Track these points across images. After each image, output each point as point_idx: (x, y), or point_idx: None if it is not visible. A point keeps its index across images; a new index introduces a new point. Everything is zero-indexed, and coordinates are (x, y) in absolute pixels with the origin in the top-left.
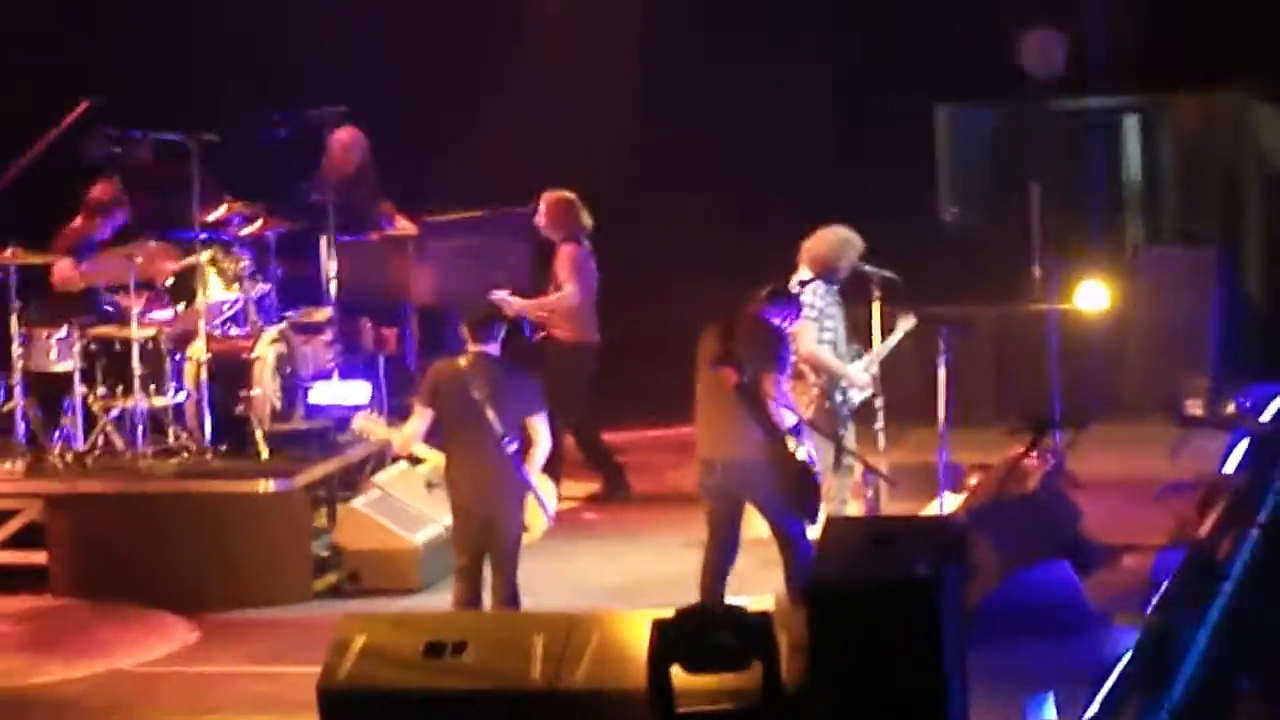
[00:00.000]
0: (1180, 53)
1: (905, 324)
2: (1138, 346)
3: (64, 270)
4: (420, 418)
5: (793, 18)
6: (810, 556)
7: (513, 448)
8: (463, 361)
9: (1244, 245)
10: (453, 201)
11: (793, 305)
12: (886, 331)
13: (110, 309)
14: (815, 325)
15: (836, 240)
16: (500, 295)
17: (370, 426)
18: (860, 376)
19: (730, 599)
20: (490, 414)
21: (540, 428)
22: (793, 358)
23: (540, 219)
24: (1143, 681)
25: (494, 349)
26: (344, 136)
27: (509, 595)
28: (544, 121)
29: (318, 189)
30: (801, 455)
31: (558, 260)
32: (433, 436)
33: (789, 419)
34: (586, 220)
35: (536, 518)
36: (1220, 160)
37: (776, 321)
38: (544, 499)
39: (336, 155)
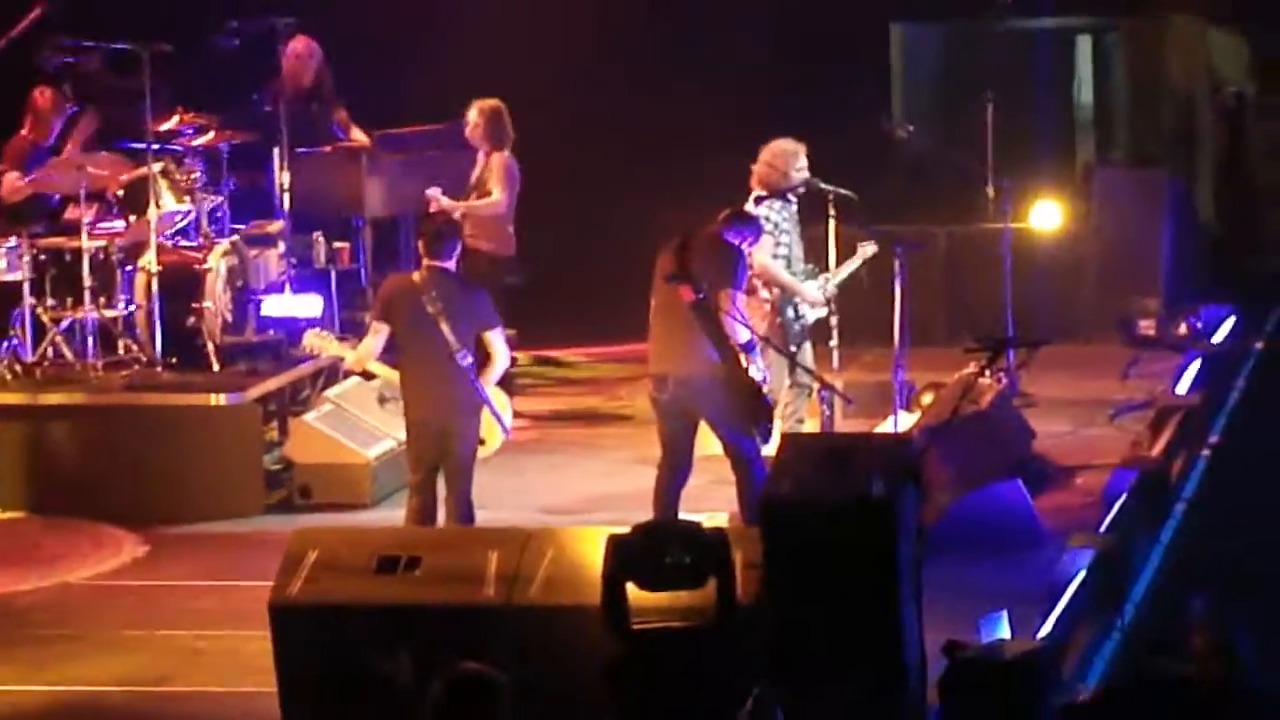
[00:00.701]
0: None
1: (865, 250)
2: (1090, 267)
3: (11, 181)
4: (375, 334)
5: None
6: (763, 475)
7: (467, 362)
8: (416, 276)
9: (1196, 167)
10: (406, 113)
11: (752, 226)
12: (843, 251)
13: (60, 220)
14: (770, 240)
15: (782, 152)
16: (433, 192)
17: (320, 343)
18: (813, 294)
19: (684, 516)
20: (445, 328)
21: (496, 342)
22: (748, 273)
23: (472, 127)
24: (1096, 600)
25: (448, 264)
26: (299, 47)
27: (463, 510)
28: (497, 30)
29: (270, 100)
30: (755, 373)
31: (488, 168)
32: (386, 352)
33: (743, 335)
34: (511, 130)
35: (492, 432)
36: (1172, 82)
37: (736, 241)
38: (500, 413)
39: (292, 66)
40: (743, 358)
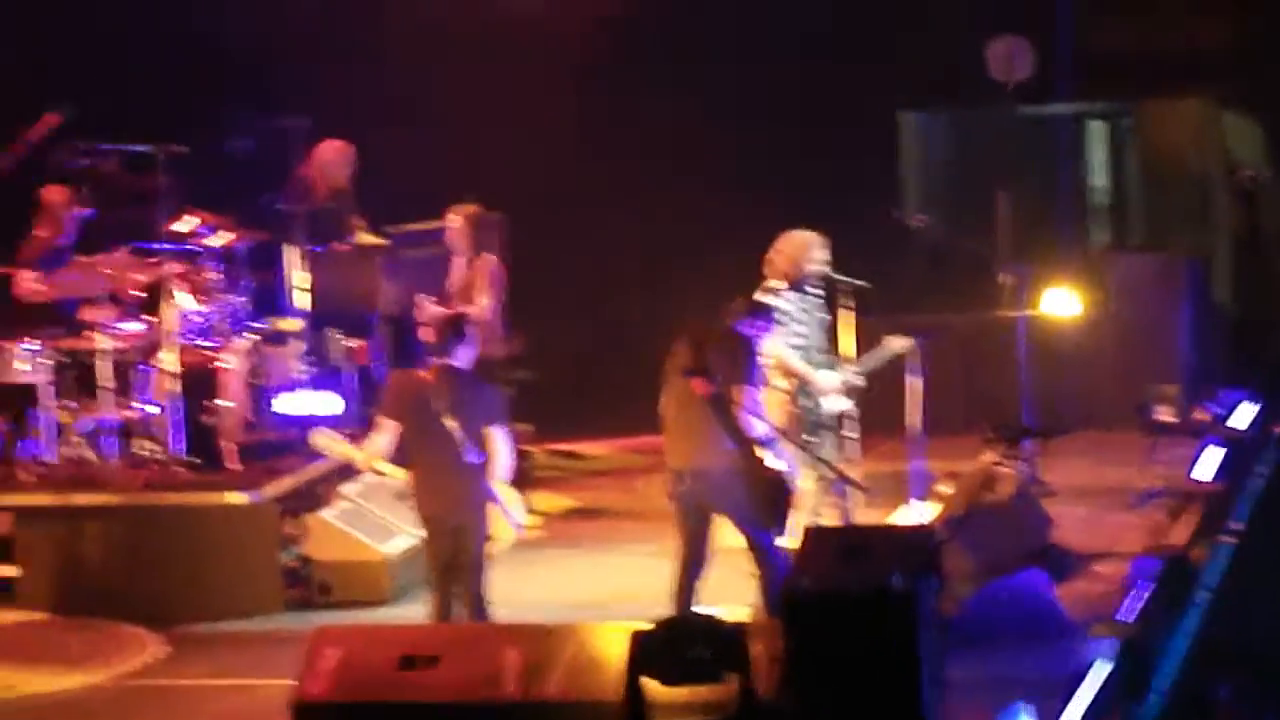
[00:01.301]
0: (1147, 60)
1: (894, 343)
2: (1107, 353)
3: (28, 282)
4: (382, 431)
5: (758, 24)
6: (784, 567)
7: (475, 459)
8: (424, 373)
9: (1213, 251)
10: (406, 212)
11: (764, 316)
12: (863, 341)
13: (78, 321)
14: (784, 330)
15: (796, 243)
16: (422, 299)
17: (328, 444)
18: (828, 383)
19: (704, 610)
20: (453, 424)
21: (499, 438)
22: (764, 363)
23: (453, 232)
24: (1119, 691)
25: (456, 360)
26: (338, 152)
27: (476, 606)
28: (498, 127)
29: (285, 199)
30: (776, 465)
31: (474, 272)
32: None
33: (759, 429)
34: (492, 233)
35: (503, 528)
36: (1188, 167)
37: (748, 332)
38: (508, 509)
39: (325, 168)
40: (759, 450)
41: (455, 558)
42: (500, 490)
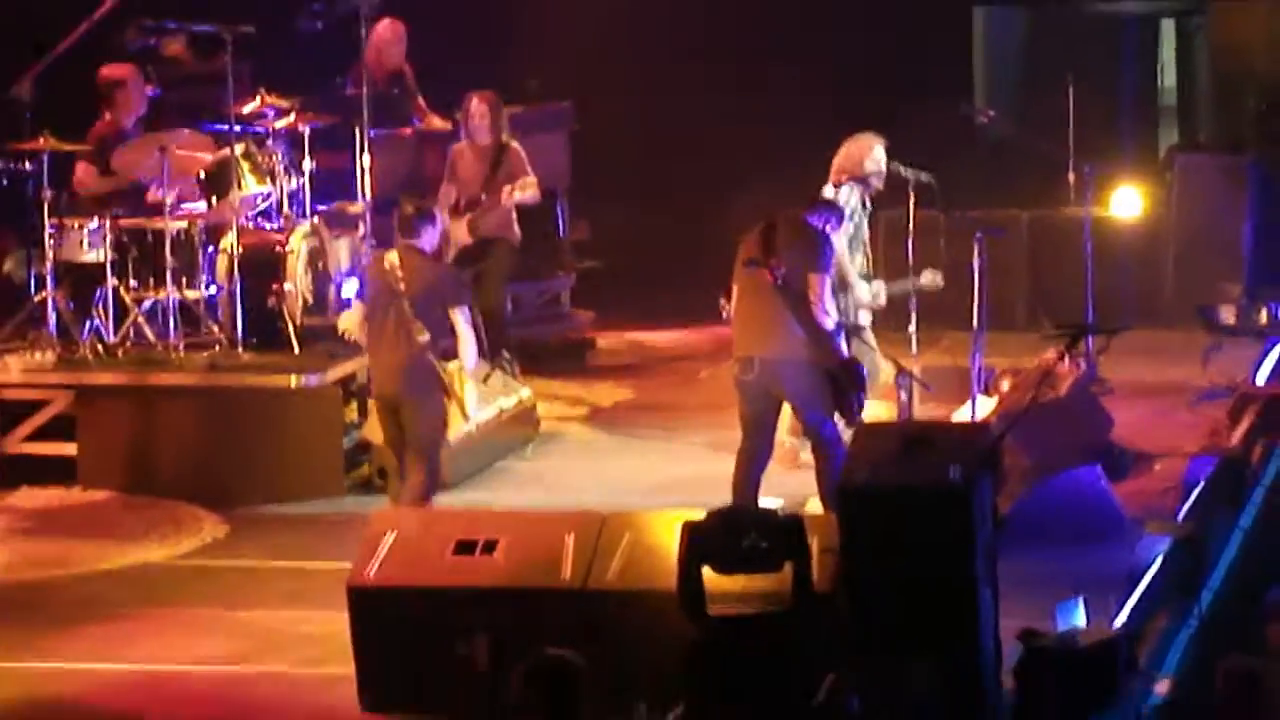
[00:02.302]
0: None
1: (928, 280)
2: (1171, 253)
3: (85, 174)
4: (355, 307)
5: None
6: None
7: (424, 339)
8: (391, 254)
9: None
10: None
11: (835, 212)
12: (918, 238)
13: (143, 202)
14: (849, 226)
15: (858, 145)
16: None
17: (348, 325)
18: (865, 296)
19: (763, 501)
20: (405, 305)
21: (458, 321)
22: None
23: (479, 118)
24: (1173, 588)
25: (421, 243)
26: (387, 30)
27: (421, 490)
28: (571, 9)
29: (353, 82)
30: (849, 354)
31: (509, 158)
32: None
33: (831, 319)
34: None
35: (454, 417)
36: (1257, 67)
37: (819, 225)
38: (464, 400)
39: (379, 48)
40: (831, 340)
41: (401, 438)
42: (456, 378)
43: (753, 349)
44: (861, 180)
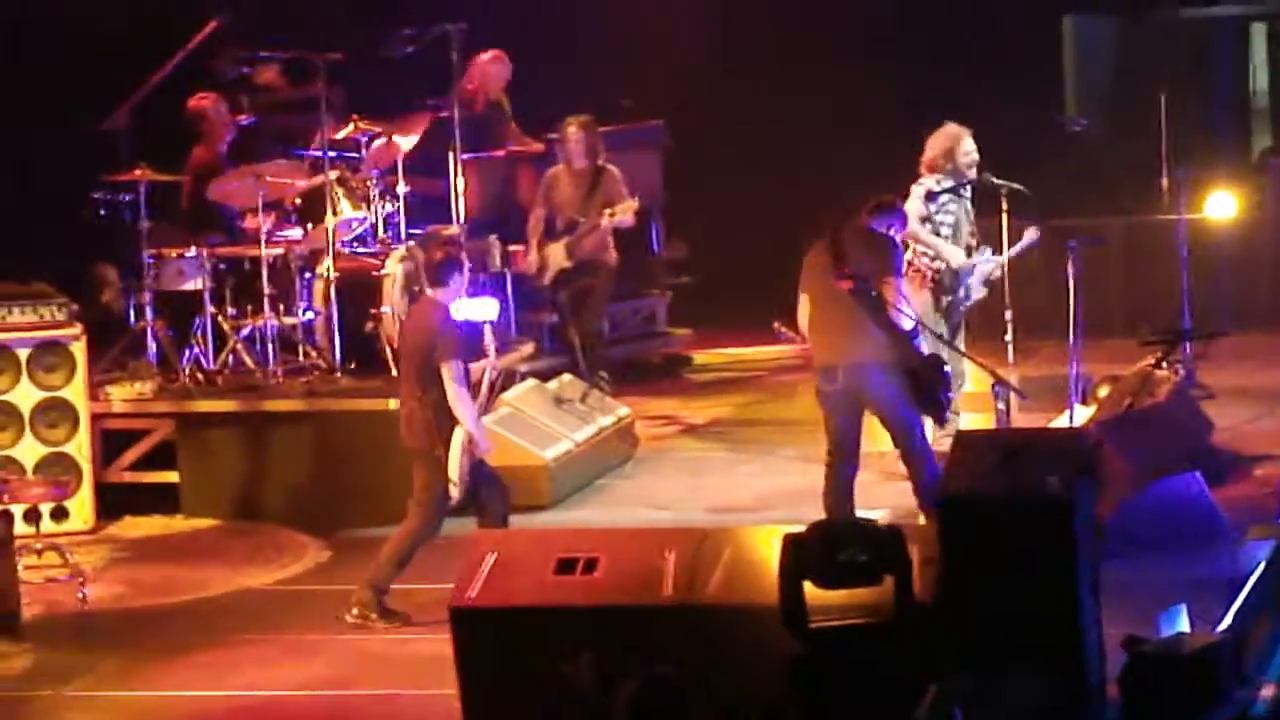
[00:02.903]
0: None
1: (1030, 236)
2: (1267, 257)
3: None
4: None
5: None
6: (933, 466)
7: (417, 399)
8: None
9: None
10: (567, 114)
11: (897, 214)
12: (1014, 244)
13: (239, 229)
14: (920, 207)
15: (947, 136)
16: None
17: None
18: (958, 258)
19: (865, 513)
20: (403, 362)
21: (447, 377)
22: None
23: (575, 143)
24: (1277, 593)
25: (446, 292)
26: (495, 63)
27: (396, 545)
28: (656, 28)
29: (446, 106)
30: (930, 357)
31: (606, 180)
32: None
33: (907, 323)
34: None
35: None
36: None
37: (883, 229)
38: (448, 463)
39: (485, 79)
40: (910, 343)
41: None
42: (456, 441)
43: (834, 358)
44: (953, 170)
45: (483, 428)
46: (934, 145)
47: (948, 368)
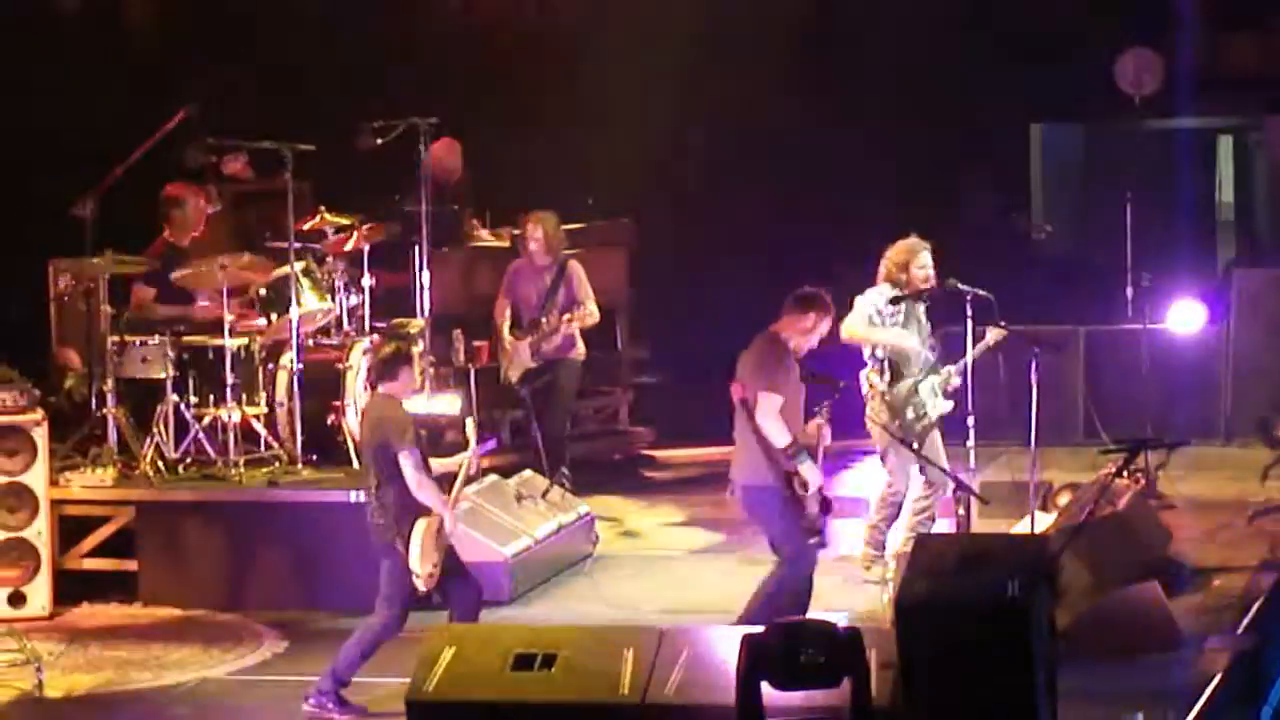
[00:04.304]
0: (1275, 74)
1: (993, 335)
2: (1229, 367)
3: (142, 296)
4: None
5: (889, 33)
6: (790, 581)
7: (369, 491)
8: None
9: None
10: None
11: (809, 305)
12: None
13: (204, 319)
14: (866, 318)
15: (902, 249)
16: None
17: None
18: (909, 342)
19: (825, 614)
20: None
21: (405, 465)
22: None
23: (538, 241)
24: (1234, 703)
25: (395, 386)
26: (445, 148)
27: (358, 639)
28: (624, 129)
29: (412, 199)
30: (808, 474)
31: (569, 278)
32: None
33: (780, 440)
34: None
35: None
36: None
37: (786, 334)
38: (410, 554)
39: (438, 167)
40: (789, 458)
41: None
42: (416, 533)
43: (732, 472)
44: (906, 283)
45: (452, 513)
46: (891, 257)
47: (825, 492)
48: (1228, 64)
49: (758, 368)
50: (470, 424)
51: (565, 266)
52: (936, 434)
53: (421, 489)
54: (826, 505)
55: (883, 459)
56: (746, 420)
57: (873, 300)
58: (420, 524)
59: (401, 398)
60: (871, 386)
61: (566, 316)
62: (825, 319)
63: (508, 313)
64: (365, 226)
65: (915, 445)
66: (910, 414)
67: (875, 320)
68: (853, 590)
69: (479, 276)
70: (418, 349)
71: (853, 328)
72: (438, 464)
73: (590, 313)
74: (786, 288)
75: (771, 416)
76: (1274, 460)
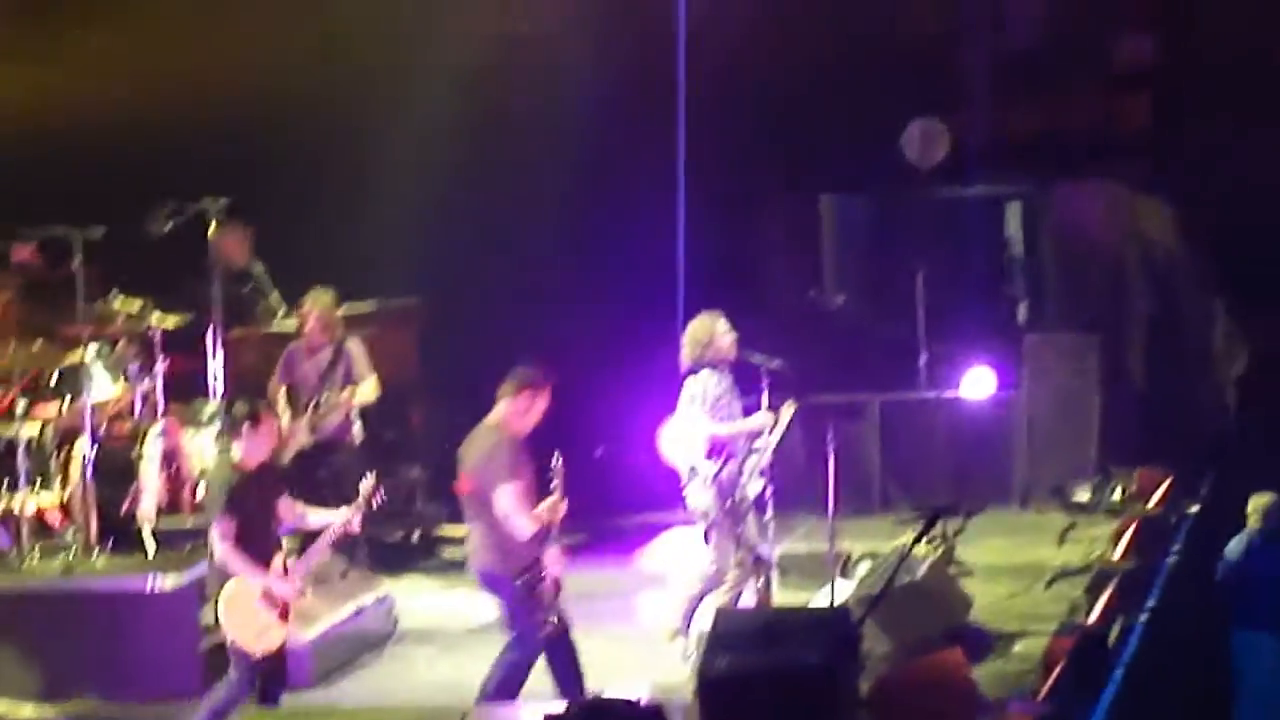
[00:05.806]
0: (1061, 141)
1: (788, 412)
2: (1024, 432)
3: None
4: None
5: (674, 106)
6: (517, 665)
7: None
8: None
9: (1128, 332)
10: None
11: (522, 387)
12: (775, 417)
13: None
14: (701, 408)
15: (699, 324)
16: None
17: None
18: (761, 422)
19: (618, 691)
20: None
21: (214, 538)
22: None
23: (316, 319)
24: None
25: (243, 451)
26: (233, 230)
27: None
28: (416, 207)
29: (202, 282)
30: (549, 560)
31: (349, 356)
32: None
33: (524, 528)
34: None
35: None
36: (1101, 247)
37: (506, 421)
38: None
39: (226, 249)
40: (522, 551)
41: None
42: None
43: (471, 558)
44: (714, 355)
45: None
46: (692, 336)
47: (559, 574)
48: (1014, 131)
49: (488, 462)
50: (367, 481)
51: (342, 345)
52: (753, 513)
53: (229, 560)
54: (557, 586)
55: (706, 537)
56: (478, 510)
57: (703, 389)
58: (229, 584)
59: (250, 459)
60: (695, 470)
61: (347, 390)
62: (542, 395)
63: (283, 393)
64: (156, 311)
65: (739, 526)
66: (738, 495)
67: (702, 402)
68: (652, 665)
69: (275, 359)
70: (213, 430)
71: (713, 429)
72: (320, 514)
73: (370, 385)
74: (575, 375)
75: (514, 510)
76: (1070, 524)
